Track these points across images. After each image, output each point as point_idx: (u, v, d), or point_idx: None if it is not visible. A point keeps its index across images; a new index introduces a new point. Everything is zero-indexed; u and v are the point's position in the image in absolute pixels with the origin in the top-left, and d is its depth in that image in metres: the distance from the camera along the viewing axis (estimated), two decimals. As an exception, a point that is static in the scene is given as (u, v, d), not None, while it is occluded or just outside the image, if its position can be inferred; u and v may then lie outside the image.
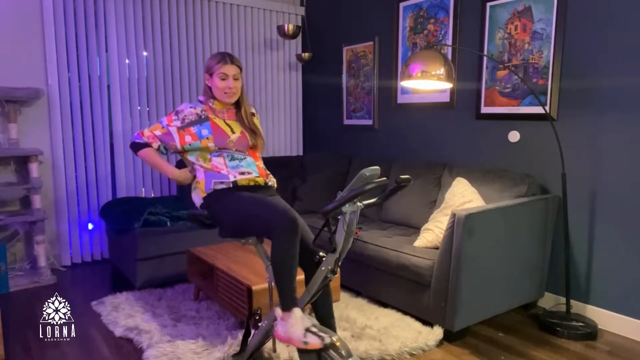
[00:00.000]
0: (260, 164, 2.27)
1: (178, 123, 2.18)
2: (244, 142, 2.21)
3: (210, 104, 2.23)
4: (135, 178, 4.08)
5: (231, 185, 2.11)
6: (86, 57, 3.75)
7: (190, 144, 2.16)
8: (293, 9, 4.79)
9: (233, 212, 2.04)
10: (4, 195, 3.39)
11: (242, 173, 2.16)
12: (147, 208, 3.40)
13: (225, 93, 2.18)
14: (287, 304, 1.84)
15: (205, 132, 2.15)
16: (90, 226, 3.92)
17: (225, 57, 2.18)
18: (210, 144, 2.14)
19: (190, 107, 2.21)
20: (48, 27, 3.55)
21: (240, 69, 2.22)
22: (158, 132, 2.22)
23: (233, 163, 2.16)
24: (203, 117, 2.19)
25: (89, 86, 3.78)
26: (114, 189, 4.00)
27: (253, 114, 2.34)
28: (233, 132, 2.20)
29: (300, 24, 4.80)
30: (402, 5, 3.78)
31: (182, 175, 2.25)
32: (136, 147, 2.24)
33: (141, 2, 3.95)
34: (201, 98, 2.27)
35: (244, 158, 2.20)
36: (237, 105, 2.28)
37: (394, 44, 3.87)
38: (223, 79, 2.16)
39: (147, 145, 2.23)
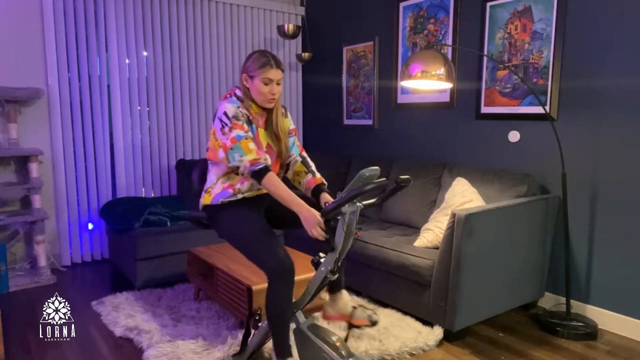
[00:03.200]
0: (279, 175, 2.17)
1: (246, 125, 1.97)
2: (270, 155, 2.06)
3: (247, 106, 2.04)
4: (135, 178, 4.08)
5: (238, 198, 2.04)
6: (86, 57, 3.75)
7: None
8: (293, 9, 4.79)
9: (232, 234, 2.02)
10: (4, 195, 3.39)
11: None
12: (147, 208, 3.41)
13: (267, 99, 2.01)
14: (282, 354, 1.87)
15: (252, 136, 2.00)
16: (90, 226, 3.92)
17: (271, 61, 1.98)
18: None
19: (237, 107, 1.98)
20: (48, 27, 3.55)
21: (283, 71, 2.06)
22: (253, 145, 1.94)
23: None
24: (249, 119, 2.01)
25: (89, 86, 3.78)
26: (114, 189, 4.00)
27: (284, 114, 2.18)
28: (262, 144, 2.05)
29: (300, 24, 4.80)
30: (402, 5, 3.78)
31: (312, 217, 1.80)
32: (259, 176, 1.91)
33: (141, 2, 3.95)
34: (239, 94, 2.05)
35: None
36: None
37: (394, 44, 3.87)
38: (266, 84, 1.98)
39: (267, 169, 1.91)
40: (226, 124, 1.94)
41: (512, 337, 2.58)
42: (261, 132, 2.07)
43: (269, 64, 1.97)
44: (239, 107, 1.99)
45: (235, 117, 1.95)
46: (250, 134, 1.97)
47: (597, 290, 2.75)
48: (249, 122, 2.00)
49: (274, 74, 1.98)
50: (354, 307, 2.04)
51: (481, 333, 2.62)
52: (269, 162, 1.96)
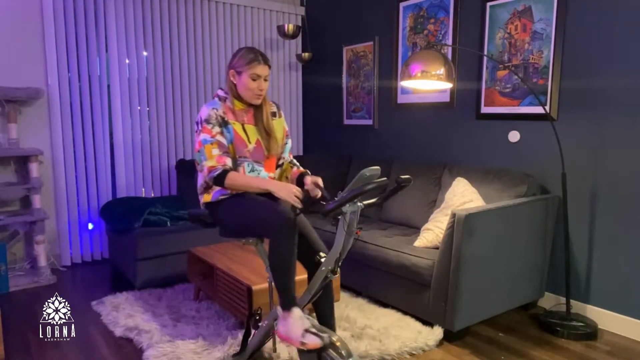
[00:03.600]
0: (273, 174, 2.18)
1: (217, 128, 1.99)
2: (260, 152, 2.09)
3: (229, 104, 2.07)
4: (135, 178, 4.08)
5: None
6: (86, 57, 3.75)
7: None
8: (293, 9, 4.79)
9: (234, 211, 2.01)
10: (4, 195, 3.39)
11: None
12: (147, 208, 3.41)
13: (255, 94, 2.04)
14: (286, 304, 1.85)
15: (229, 136, 2.02)
16: (90, 226, 3.92)
17: (258, 57, 2.02)
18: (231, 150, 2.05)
19: (212, 110, 2.01)
20: (48, 27, 3.55)
21: (270, 67, 2.08)
22: (217, 151, 1.97)
23: (253, 174, 2.06)
24: (224, 121, 2.03)
25: (89, 86, 3.78)
26: (114, 189, 4.00)
27: (274, 114, 2.19)
28: (249, 141, 2.06)
29: (300, 24, 4.80)
30: (402, 5, 3.78)
31: (286, 186, 1.89)
32: (219, 181, 1.96)
33: (141, 2, 3.95)
34: (221, 93, 2.10)
35: (260, 171, 2.10)
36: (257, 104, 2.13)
37: (394, 44, 3.87)
38: (254, 80, 2.02)
39: (226, 172, 1.96)
40: (198, 127, 2.02)
41: (512, 337, 2.58)
42: (249, 128, 2.09)
43: (257, 60, 2.02)
44: (214, 108, 2.03)
45: (207, 120, 1.99)
46: (218, 138, 1.99)
47: (597, 290, 2.75)
48: (224, 124, 2.01)
49: (262, 69, 2.03)
50: None
51: (481, 333, 2.63)
52: (229, 166, 1.98)
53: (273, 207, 1.87)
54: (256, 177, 2.01)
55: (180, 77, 4.20)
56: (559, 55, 2.81)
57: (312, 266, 1.97)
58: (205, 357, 2.26)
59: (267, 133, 2.11)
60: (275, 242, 1.85)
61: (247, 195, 2.00)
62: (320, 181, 2.04)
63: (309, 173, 2.16)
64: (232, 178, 1.95)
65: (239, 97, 2.08)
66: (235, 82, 2.06)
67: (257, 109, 2.12)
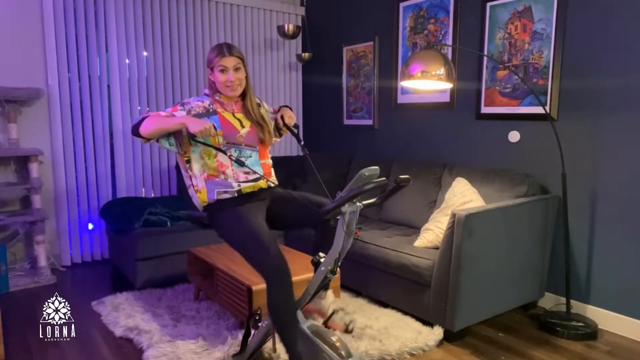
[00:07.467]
0: (267, 161, 2.21)
1: (183, 113, 2.05)
2: (254, 136, 2.15)
3: (217, 98, 2.16)
4: (135, 178, 4.08)
5: (235, 195, 2.06)
6: (86, 57, 3.75)
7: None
8: (293, 9, 4.79)
9: (230, 234, 2.03)
10: (4, 195, 3.39)
11: (247, 173, 2.09)
12: (147, 208, 3.41)
13: (227, 86, 2.10)
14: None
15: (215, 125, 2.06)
16: (90, 226, 3.92)
17: (223, 49, 2.09)
18: (219, 138, 2.06)
19: (198, 101, 2.12)
20: (48, 27, 3.55)
21: (242, 59, 2.12)
22: (163, 114, 2.04)
23: (243, 159, 2.08)
24: (211, 110, 2.10)
25: (89, 86, 3.78)
26: (114, 189, 4.00)
27: (259, 105, 2.26)
28: (242, 126, 2.13)
29: (300, 24, 4.80)
30: (402, 5, 3.78)
31: (200, 121, 1.89)
32: (136, 126, 1.97)
33: (141, 2, 3.95)
34: (207, 91, 2.20)
35: (251, 155, 2.12)
36: (243, 96, 2.21)
37: (394, 44, 3.87)
38: (223, 72, 2.08)
39: (144, 118, 1.99)
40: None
41: (512, 337, 2.58)
42: (240, 115, 2.18)
43: (221, 53, 2.08)
44: (200, 100, 2.13)
45: (182, 104, 2.10)
46: (173, 114, 2.05)
47: (597, 290, 2.75)
48: (210, 114, 2.09)
49: (227, 61, 2.08)
50: (335, 311, 2.05)
51: (481, 333, 2.62)
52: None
53: (266, 251, 1.86)
54: (171, 116, 2.02)
55: (180, 77, 4.20)
56: (559, 55, 2.81)
57: (321, 227, 2.02)
58: (205, 357, 2.26)
59: (259, 124, 2.18)
60: (270, 290, 1.85)
61: (244, 221, 1.98)
62: (287, 117, 2.17)
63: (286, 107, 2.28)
64: (146, 123, 1.95)
65: (220, 92, 2.17)
66: (213, 80, 2.15)
67: (244, 102, 2.21)
